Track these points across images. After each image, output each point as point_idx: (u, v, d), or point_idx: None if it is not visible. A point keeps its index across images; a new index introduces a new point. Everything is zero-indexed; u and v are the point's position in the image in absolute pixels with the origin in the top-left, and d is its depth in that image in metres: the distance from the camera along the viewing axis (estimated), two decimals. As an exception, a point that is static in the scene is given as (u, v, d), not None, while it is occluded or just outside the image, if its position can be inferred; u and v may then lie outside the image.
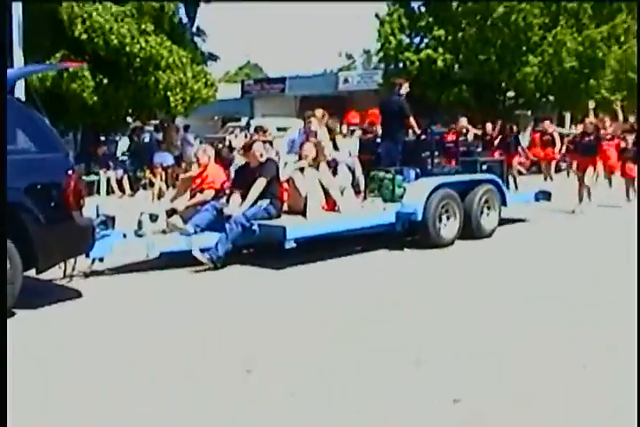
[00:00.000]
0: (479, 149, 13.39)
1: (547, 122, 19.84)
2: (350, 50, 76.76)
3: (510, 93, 32.54)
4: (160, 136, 20.75)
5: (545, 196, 12.48)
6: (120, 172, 19.35)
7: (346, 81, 37.02)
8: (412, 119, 10.82)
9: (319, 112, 10.81)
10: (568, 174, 20.01)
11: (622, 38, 30.80)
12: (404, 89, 10.99)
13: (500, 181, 11.13)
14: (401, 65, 32.04)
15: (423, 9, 33.17)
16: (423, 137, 10.72)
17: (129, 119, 23.70)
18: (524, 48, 30.65)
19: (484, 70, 31.13)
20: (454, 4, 31.08)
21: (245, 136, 20.32)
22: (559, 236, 11.34)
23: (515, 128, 19.17)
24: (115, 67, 20.55)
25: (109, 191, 18.85)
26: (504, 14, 29.98)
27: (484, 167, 11.11)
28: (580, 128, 18.18)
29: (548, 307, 6.65)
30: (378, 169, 10.27)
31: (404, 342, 5.58)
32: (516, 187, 16.27)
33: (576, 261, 8.95)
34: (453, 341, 5.61)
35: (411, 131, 10.98)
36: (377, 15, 33.20)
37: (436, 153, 10.64)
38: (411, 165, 10.45)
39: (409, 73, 31.59)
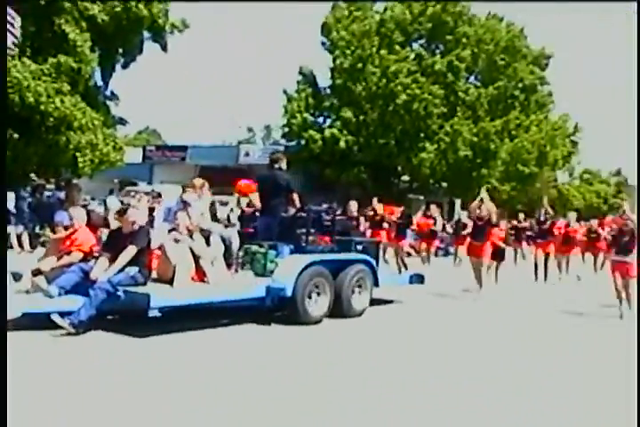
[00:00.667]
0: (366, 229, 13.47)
1: (433, 206, 19.99)
2: (251, 123, 77.69)
3: (405, 177, 33.18)
4: (62, 195, 20.20)
5: (418, 279, 12.40)
6: (20, 228, 18.74)
7: (247, 154, 37.02)
8: (294, 195, 10.69)
9: (198, 182, 10.62)
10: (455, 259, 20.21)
11: (514, 132, 31.92)
12: (283, 164, 10.86)
13: (373, 262, 10.88)
14: (303, 142, 32.27)
15: (329, 90, 33.82)
16: (300, 214, 10.53)
17: (33, 175, 23.13)
18: (423, 135, 31.43)
19: (383, 154, 31.84)
20: (359, 88, 31.71)
21: (148, 201, 19.96)
22: (426, 319, 11.23)
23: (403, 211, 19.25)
24: (27, 123, 20.21)
25: (9, 246, 18.17)
26: (406, 102, 30.79)
27: (359, 247, 10.98)
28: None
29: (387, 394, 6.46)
30: (251, 243, 10.05)
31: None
32: (406, 268, 16.40)
33: (436, 349, 8.83)
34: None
35: (291, 206, 10.76)
36: (285, 91, 33.64)
37: (313, 230, 10.46)
38: (286, 241, 10.26)
39: (311, 151, 32.07)
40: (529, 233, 20.58)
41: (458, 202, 33.02)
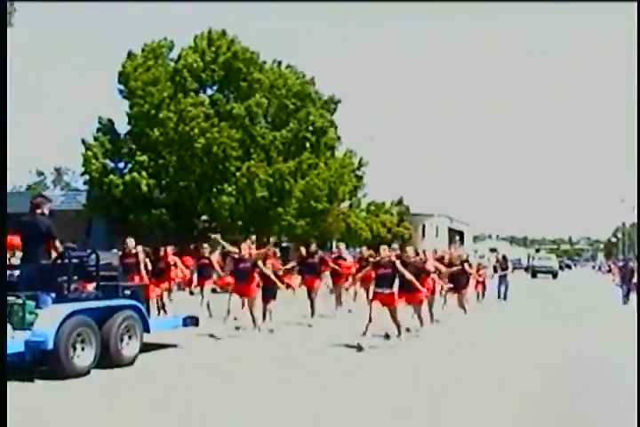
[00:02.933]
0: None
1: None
2: (41, 167, 73.53)
3: (205, 217, 32.30)
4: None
5: (193, 321, 11.51)
6: None
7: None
8: (56, 241, 9.55)
9: None
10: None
11: (307, 172, 31.86)
12: (46, 209, 9.70)
13: (142, 307, 10.00)
14: (105, 187, 30.64)
15: (128, 137, 32.50)
16: (61, 260, 9.35)
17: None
18: (221, 177, 30.77)
19: (184, 195, 30.89)
20: (156, 133, 30.65)
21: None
22: (205, 362, 10.39)
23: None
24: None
25: None
26: (205, 145, 30.06)
27: (127, 292, 9.99)
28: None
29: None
30: (9, 293, 8.79)
31: None
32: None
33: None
34: None
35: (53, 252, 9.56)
36: (83, 141, 31.88)
37: (75, 277, 9.32)
38: (48, 290, 9.09)
39: (113, 196, 30.54)
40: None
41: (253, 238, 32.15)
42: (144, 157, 30.77)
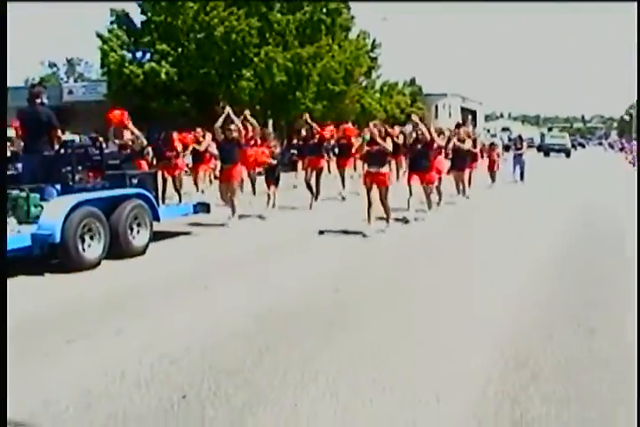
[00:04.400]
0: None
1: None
2: (53, 58, 70.39)
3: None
4: None
5: (203, 208, 10.72)
6: None
7: (70, 92, 33.76)
8: (59, 131, 8.73)
9: None
10: None
11: (325, 57, 30.46)
12: (45, 99, 8.79)
13: (150, 196, 9.22)
14: (125, 78, 29.49)
15: (146, 26, 30.96)
16: (65, 150, 8.54)
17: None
18: (240, 64, 29.54)
19: (205, 83, 29.75)
20: (178, 22, 29.24)
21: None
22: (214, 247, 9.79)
23: None
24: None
25: None
26: (224, 34, 28.71)
27: (134, 181, 9.13)
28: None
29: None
30: (12, 187, 8.05)
31: None
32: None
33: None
34: None
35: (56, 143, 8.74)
36: (99, 35, 30.35)
37: (80, 167, 8.54)
38: (52, 181, 8.35)
39: (134, 85, 29.50)
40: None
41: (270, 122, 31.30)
42: (164, 46, 29.49)
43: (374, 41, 36.23)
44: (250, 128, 13.15)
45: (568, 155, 51.95)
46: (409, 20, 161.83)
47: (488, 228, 11.70)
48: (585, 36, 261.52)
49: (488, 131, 45.32)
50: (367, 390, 4.19)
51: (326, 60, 30.17)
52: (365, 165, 11.43)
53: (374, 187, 10.63)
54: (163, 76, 29.23)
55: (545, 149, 54.46)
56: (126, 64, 29.64)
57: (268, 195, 13.04)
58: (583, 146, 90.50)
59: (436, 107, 57.63)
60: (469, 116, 63.24)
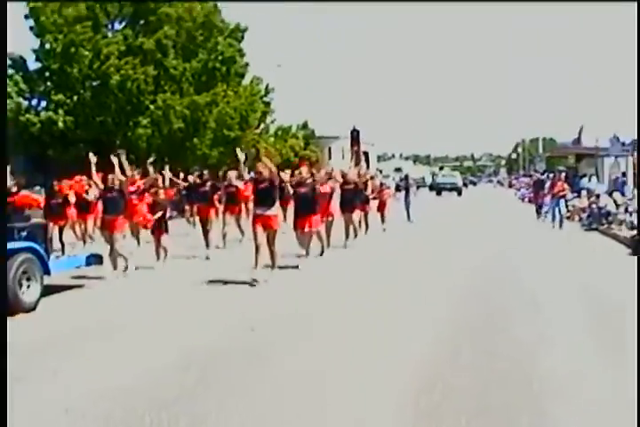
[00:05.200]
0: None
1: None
2: None
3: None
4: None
5: (96, 259, 10.58)
6: None
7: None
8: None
9: None
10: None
11: (220, 103, 31.16)
12: None
13: (39, 248, 8.89)
14: (22, 126, 29.28)
15: (42, 73, 30.92)
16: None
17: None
18: (136, 112, 29.88)
19: (102, 131, 29.89)
20: (74, 71, 29.36)
21: None
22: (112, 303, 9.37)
23: None
24: None
25: None
26: (119, 82, 29.05)
27: (23, 234, 8.89)
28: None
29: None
30: None
31: None
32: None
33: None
34: None
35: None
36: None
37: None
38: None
39: (31, 134, 29.34)
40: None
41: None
42: (60, 96, 29.59)
43: (267, 86, 37.19)
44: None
45: (460, 193, 51.77)
46: (301, 65, 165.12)
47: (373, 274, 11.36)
48: (471, 76, 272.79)
49: (381, 171, 46.59)
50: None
51: (222, 106, 30.92)
52: (252, 206, 11.12)
53: (261, 230, 10.17)
54: (60, 124, 29.26)
55: (437, 188, 54.16)
56: (22, 112, 29.43)
57: (164, 247, 12.29)
58: (474, 184, 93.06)
59: (330, 149, 59.03)
60: (362, 157, 64.58)
